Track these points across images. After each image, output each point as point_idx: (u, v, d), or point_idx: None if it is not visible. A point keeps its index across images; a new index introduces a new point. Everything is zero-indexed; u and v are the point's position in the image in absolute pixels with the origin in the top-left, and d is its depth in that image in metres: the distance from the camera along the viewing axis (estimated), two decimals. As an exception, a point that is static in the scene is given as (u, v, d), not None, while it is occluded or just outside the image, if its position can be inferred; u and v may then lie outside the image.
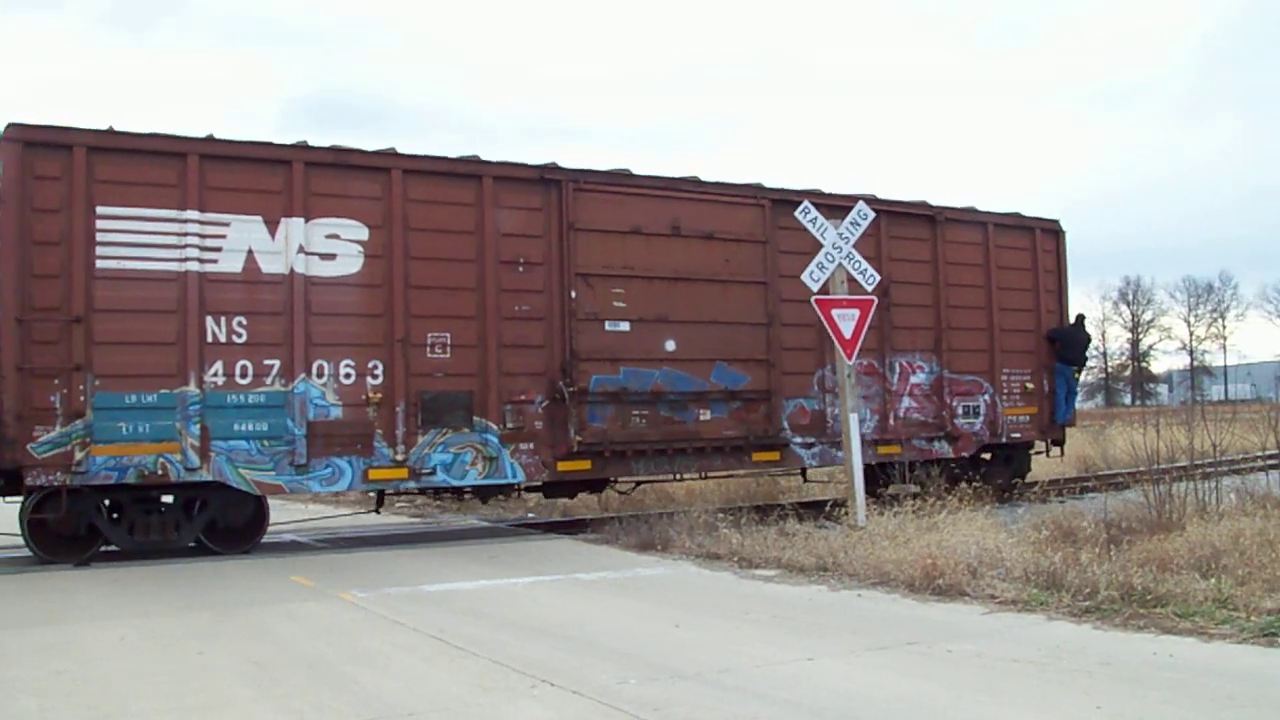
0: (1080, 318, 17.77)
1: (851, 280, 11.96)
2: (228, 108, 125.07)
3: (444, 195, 12.29)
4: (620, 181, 13.42)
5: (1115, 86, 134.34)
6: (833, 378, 14.63)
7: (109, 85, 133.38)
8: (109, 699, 5.54)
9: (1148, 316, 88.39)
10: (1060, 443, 17.44)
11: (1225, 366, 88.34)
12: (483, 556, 10.94)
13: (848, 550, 9.62)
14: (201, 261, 11.03)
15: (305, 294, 11.43)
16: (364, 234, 11.80)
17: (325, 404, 11.48)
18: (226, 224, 11.18)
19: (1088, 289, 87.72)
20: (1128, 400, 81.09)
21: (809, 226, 11.83)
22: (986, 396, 16.22)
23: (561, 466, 12.70)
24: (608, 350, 13.01)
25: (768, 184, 14.49)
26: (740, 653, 6.38)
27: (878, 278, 12.16)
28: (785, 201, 13.95)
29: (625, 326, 13.16)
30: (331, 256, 11.64)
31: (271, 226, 11.38)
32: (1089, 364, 17.92)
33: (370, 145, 12.00)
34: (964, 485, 13.53)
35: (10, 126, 10.44)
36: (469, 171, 12.45)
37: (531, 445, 12.53)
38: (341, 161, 11.81)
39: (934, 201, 16.06)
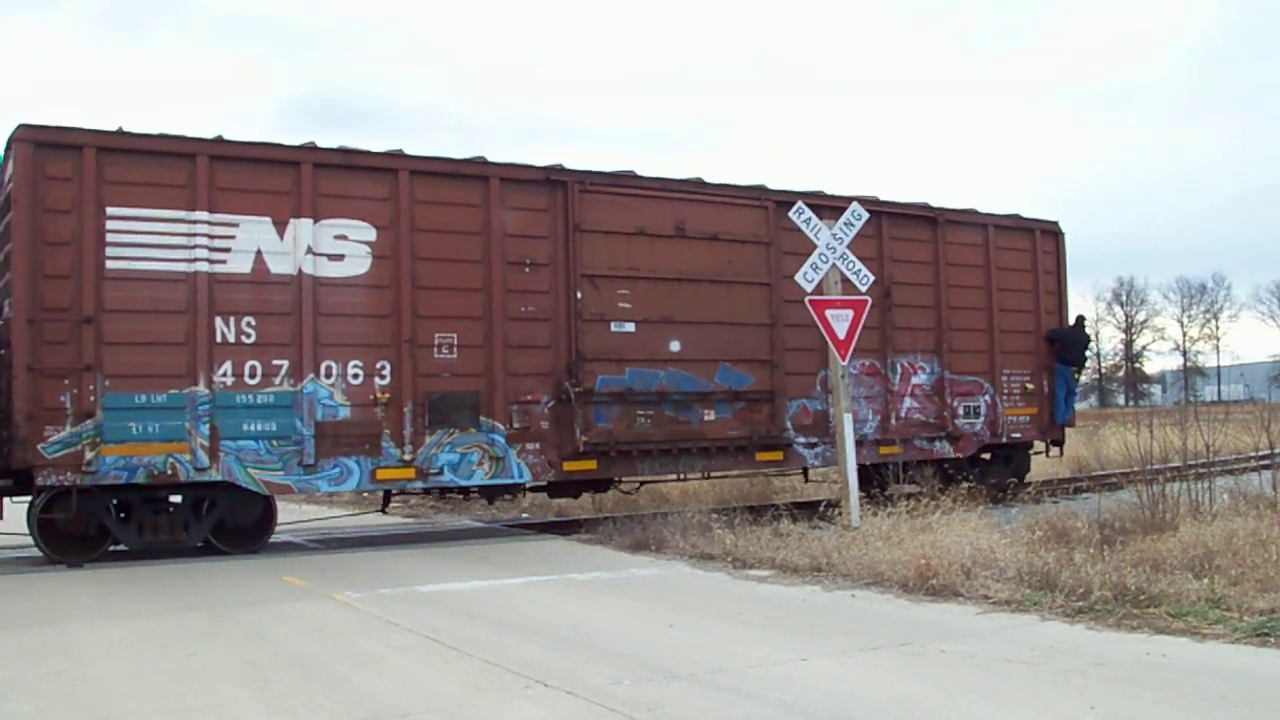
0: (1080, 319, 17.90)
1: (846, 281, 11.97)
2: (224, 108, 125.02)
3: (450, 196, 12.34)
4: (625, 183, 13.49)
5: (1110, 87, 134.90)
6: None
7: (104, 85, 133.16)
8: (103, 700, 5.54)
9: (1141, 317, 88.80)
10: (1060, 443, 17.56)
11: (1219, 367, 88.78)
12: (476, 557, 10.96)
13: (842, 551, 9.63)
14: (211, 262, 11.08)
15: (314, 294, 11.48)
16: (371, 235, 11.85)
17: (333, 404, 11.53)
18: (235, 225, 11.23)
19: (1081, 289, 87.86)
20: (1121, 401, 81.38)
21: (803, 227, 11.86)
22: (987, 397, 16.32)
23: (567, 466, 12.77)
24: (613, 351, 13.08)
25: (771, 185, 14.57)
26: (734, 653, 6.39)
27: (871, 278, 12.18)
28: (788, 203, 13.93)
29: (630, 327, 13.23)
30: (339, 257, 11.69)
31: (280, 227, 11.42)
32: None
33: (367, 145, 12.11)
34: (957, 485, 13.67)
35: (21, 127, 10.48)
36: (475, 173, 12.51)
37: (538, 445, 12.60)
38: (349, 163, 11.86)
39: (934, 203, 16.16)
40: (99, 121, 13.49)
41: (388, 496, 13.25)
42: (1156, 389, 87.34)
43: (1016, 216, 17.18)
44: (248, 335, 11.19)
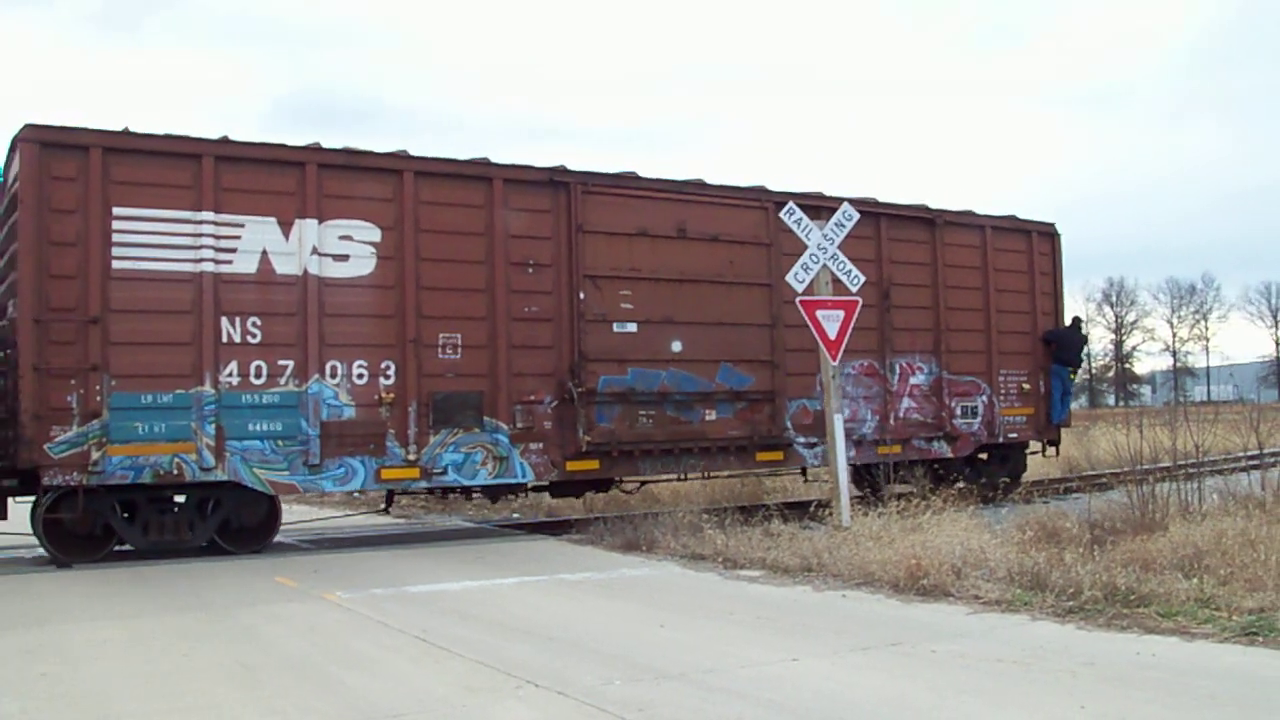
0: (1076, 320, 18.06)
1: (838, 282, 11.98)
2: (218, 108, 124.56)
3: (454, 197, 12.38)
4: (627, 184, 13.55)
5: (1101, 89, 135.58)
6: (835, 378, 14.82)
7: (98, 85, 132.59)
8: (94, 701, 5.53)
9: (1131, 318, 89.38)
10: (1056, 443, 17.68)
11: (1208, 367, 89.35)
12: (468, 557, 10.96)
13: (832, 551, 9.65)
14: (216, 262, 11.09)
15: (319, 295, 11.50)
16: (376, 235, 11.88)
17: (338, 404, 11.56)
18: (241, 225, 11.25)
19: (1071, 289, 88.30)
20: (1111, 401, 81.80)
21: (794, 228, 11.89)
22: (984, 397, 16.43)
23: (570, 466, 12.82)
24: (615, 351, 13.14)
25: (771, 187, 14.64)
26: (725, 653, 6.40)
27: (863, 279, 12.19)
28: (784, 205, 14.08)
29: (632, 328, 13.29)
30: (344, 258, 11.72)
31: (285, 228, 11.45)
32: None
33: (360, 145, 12.06)
34: (948, 485, 13.79)
35: (27, 127, 10.48)
36: (479, 174, 12.55)
37: (541, 445, 12.64)
38: (354, 163, 11.88)
39: (932, 205, 16.25)
40: (92, 121, 13.41)
41: (390, 496, 13.28)
42: (1146, 389, 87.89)
43: (1013, 218, 17.30)
44: (253, 335, 11.21)
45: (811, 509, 12.47)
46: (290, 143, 11.74)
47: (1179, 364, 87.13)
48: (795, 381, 14.43)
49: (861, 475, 15.59)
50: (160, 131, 11.08)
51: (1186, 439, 11.58)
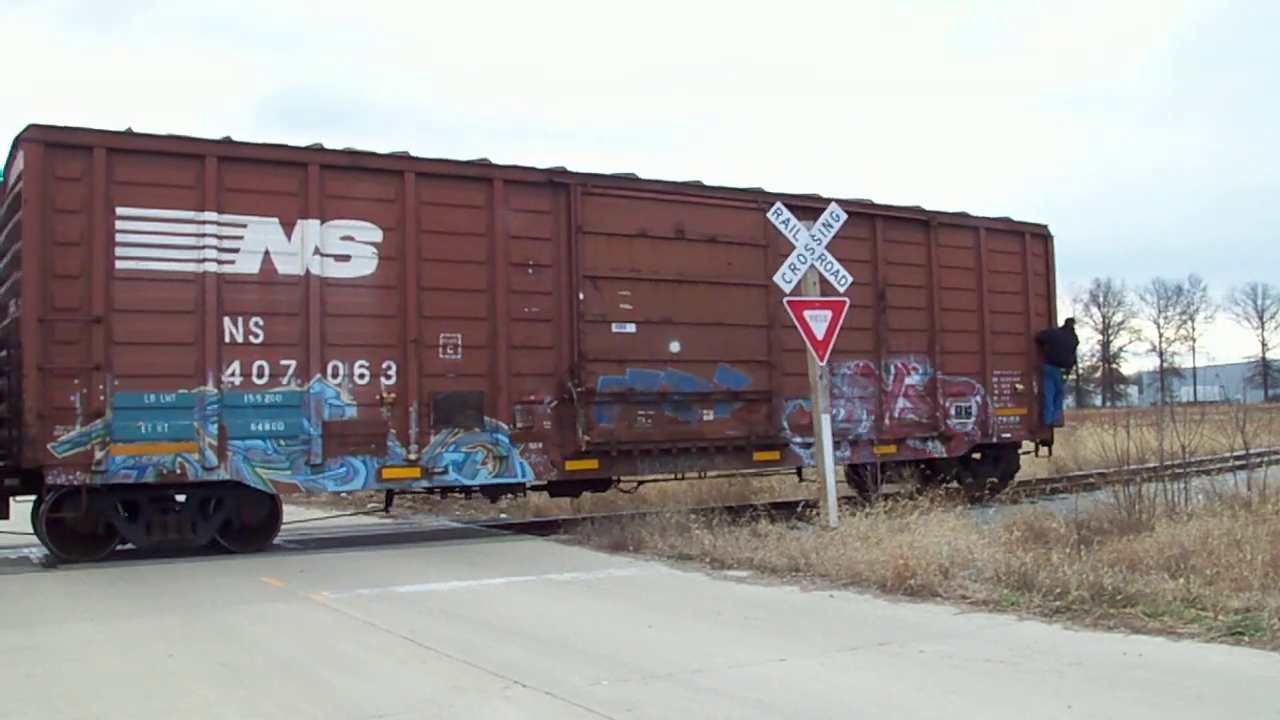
0: (1070, 321, 18.24)
1: (826, 283, 11.97)
2: (203, 107, 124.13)
3: (455, 198, 12.44)
4: (626, 185, 13.63)
5: (1088, 90, 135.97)
6: (831, 379, 14.90)
7: (79, 84, 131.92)
8: (77, 702, 5.50)
9: (1118, 318, 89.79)
10: (1048, 443, 17.82)
11: (1194, 368, 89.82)
12: (455, 557, 10.98)
13: (820, 551, 9.65)
14: (219, 263, 11.13)
15: (320, 295, 11.56)
16: (378, 236, 11.94)
17: (340, 404, 11.62)
18: (243, 225, 11.29)
19: (1059, 290, 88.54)
20: (1098, 402, 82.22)
21: (781, 228, 11.91)
22: (978, 397, 16.57)
23: (570, 466, 12.90)
24: (614, 351, 13.22)
25: (768, 188, 14.73)
26: (713, 653, 6.41)
27: (850, 279, 12.20)
28: (787, 205, 14.16)
29: (631, 328, 13.37)
30: (346, 258, 11.77)
31: (287, 228, 11.49)
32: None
33: (354, 146, 12.07)
34: (935, 486, 13.87)
35: (31, 127, 10.51)
36: (479, 175, 12.62)
37: (540, 445, 12.72)
38: (356, 164, 11.94)
39: (927, 206, 16.38)
40: (78, 120, 13.39)
41: (390, 496, 13.35)
42: (1133, 390, 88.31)
43: (1007, 220, 17.44)
44: (255, 335, 11.26)
45: (799, 509, 12.49)
46: (291, 143, 11.79)
47: (1166, 365, 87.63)
48: (792, 382, 14.52)
49: (857, 475, 15.69)
50: (163, 132, 11.13)
51: (1173, 439, 11.63)
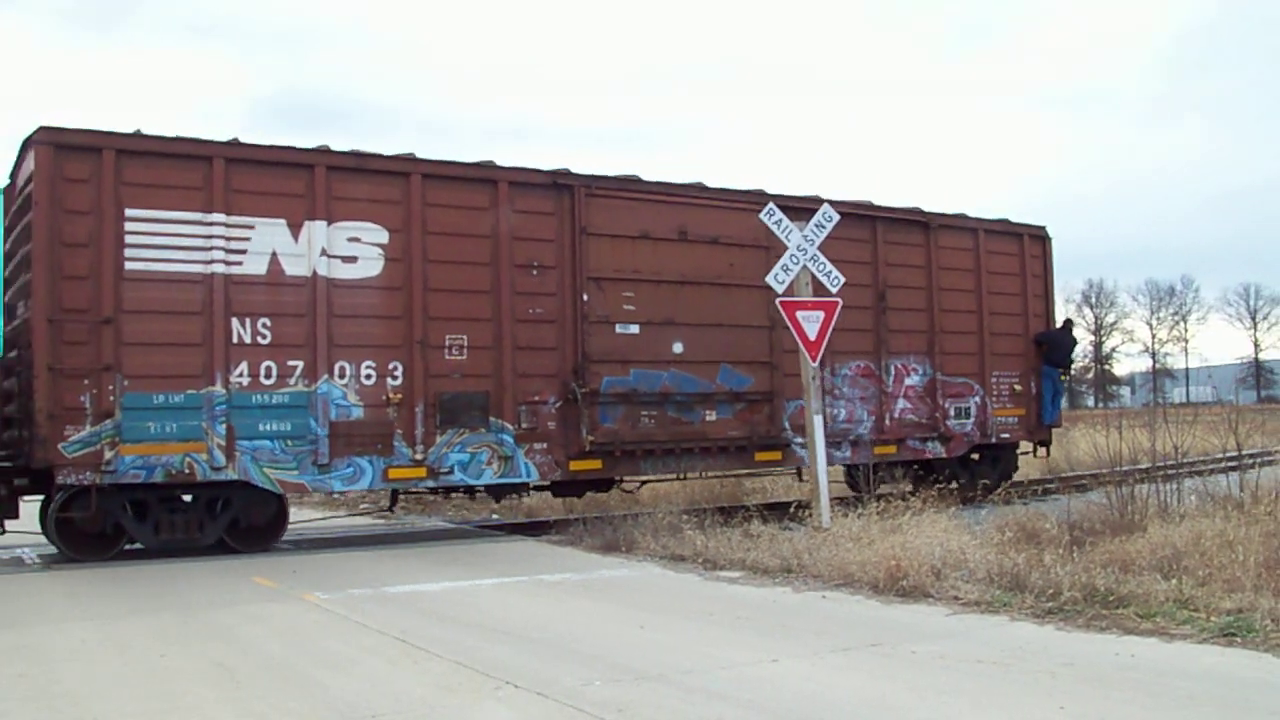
0: (1068, 322, 18.38)
1: (819, 284, 12.01)
2: (198, 107, 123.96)
3: (460, 199, 12.53)
4: (630, 187, 13.72)
5: (1080, 91, 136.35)
6: (832, 380, 15.06)
7: (73, 84, 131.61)
8: (70, 703, 5.50)
9: (1110, 319, 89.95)
10: (1046, 443, 17.94)
11: (1187, 369, 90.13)
12: (447, 558, 11.02)
13: (812, 552, 9.65)
14: (227, 264, 11.21)
15: (327, 296, 11.63)
16: (384, 237, 12.02)
17: (347, 404, 11.69)
18: (251, 227, 11.37)
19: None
20: (1091, 402, 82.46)
21: (774, 229, 11.95)
22: (977, 398, 16.68)
23: (574, 466, 12.99)
24: (618, 352, 13.31)
25: (770, 190, 14.82)
26: (705, 654, 6.40)
27: (842, 280, 12.26)
28: (787, 208, 14.23)
29: (635, 329, 13.46)
30: (353, 259, 11.85)
31: (294, 229, 11.57)
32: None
33: (344, 145, 12.15)
34: (937, 486, 13.95)
35: (41, 129, 10.58)
36: (484, 176, 12.71)
37: (545, 445, 12.81)
38: (362, 166, 12.01)
39: (926, 208, 16.48)
40: (77, 121, 13.44)
41: (395, 496, 13.43)
42: (1125, 391, 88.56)
43: (1005, 221, 17.57)
44: (263, 336, 11.34)
45: (791, 510, 12.51)
46: (297, 145, 11.87)
47: (1158, 365, 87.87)
48: (793, 382, 14.52)
49: (857, 475, 15.80)
50: (172, 134, 11.19)
51: (1165, 440, 11.64)
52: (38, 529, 11.52)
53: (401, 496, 13.89)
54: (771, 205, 12.11)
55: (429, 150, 12.53)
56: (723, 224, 14.28)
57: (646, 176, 13.95)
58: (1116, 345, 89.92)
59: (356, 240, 11.89)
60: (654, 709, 5.22)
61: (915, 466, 16.35)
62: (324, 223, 11.67)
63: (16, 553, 12.04)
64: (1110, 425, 12.54)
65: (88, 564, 10.73)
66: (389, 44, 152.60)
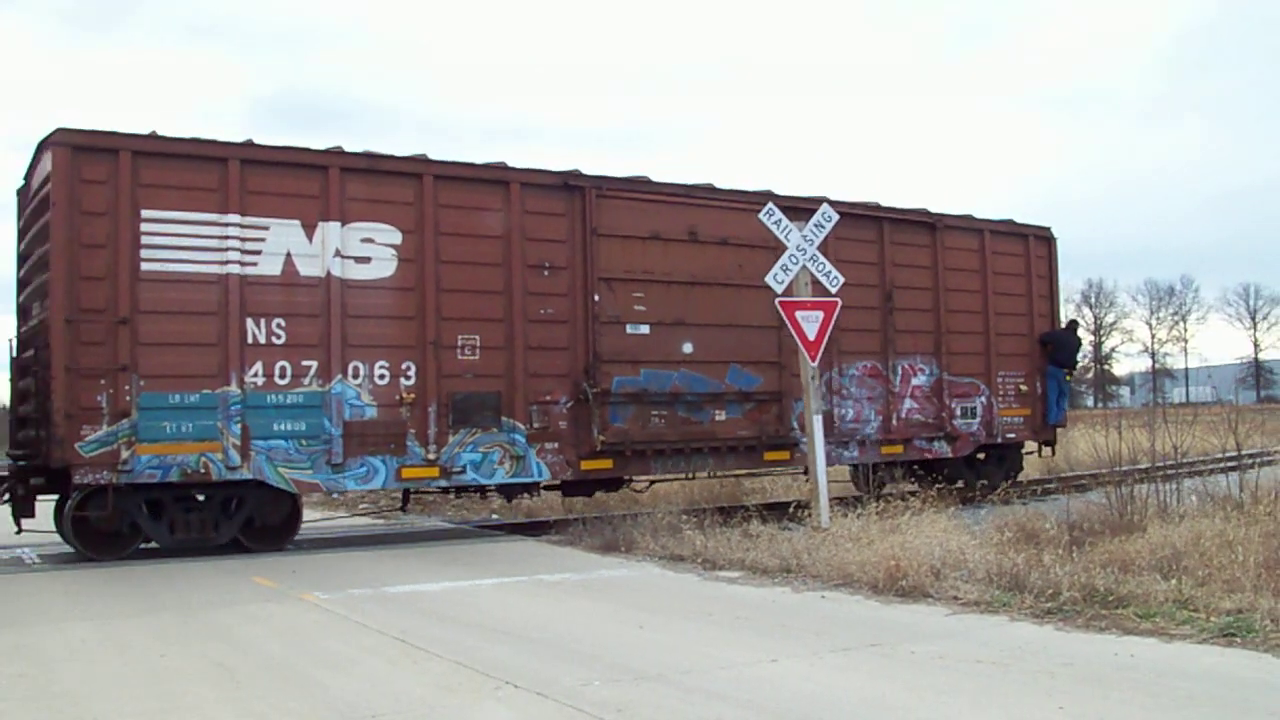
0: (1073, 322, 18.50)
1: (818, 284, 12.04)
2: (198, 107, 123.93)
3: (473, 200, 12.60)
4: (640, 188, 13.80)
5: (1080, 90, 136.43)
6: (840, 380, 15.14)
7: (73, 85, 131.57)
8: (69, 702, 5.50)
9: (1110, 319, 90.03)
10: (1051, 443, 18.02)
11: (1186, 369, 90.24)
12: (446, 558, 11.04)
13: (811, 552, 9.64)
14: (242, 264, 11.27)
15: (341, 297, 11.70)
16: (397, 238, 12.09)
17: (360, 404, 11.76)
18: (266, 228, 11.43)
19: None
20: (1090, 402, 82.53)
21: (773, 229, 11.95)
22: (983, 398, 16.77)
23: (585, 465, 13.06)
24: (628, 352, 13.38)
25: (778, 191, 14.90)
26: (704, 654, 6.40)
27: (841, 280, 12.30)
28: (795, 209, 14.32)
29: (645, 329, 13.53)
30: (366, 260, 11.92)
31: (309, 230, 11.63)
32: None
33: (342, 144, 12.17)
34: (942, 485, 14.00)
35: (59, 131, 10.64)
36: (496, 177, 12.78)
37: (556, 445, 12.88)
38: (375, 167, 12.08)
39: (932, 208, 16.56)
40: (68, 121, 13.49)
41: (407, 495, 13.49)
42: (1125, 391, 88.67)
43: (1011, 222, 17.65)
44: (278, 336, 11.40)
45: (791, 510, 12.54)
46: (311, 146, 11.92)
47: (1158, 365, 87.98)
48: (801, 382, 14.65)
49: (861, 474, 15.87)
50: (188, 135, 11.26)
51: (1165, 440, 11.65)
52: (50, 528, 11.57)
53: (401, 496, 13.92)
54: (771, 205, 12.15)
55: (428, 150, 12.49)
56: (732, 225, 14.34)
57: (655, 178, 14.02)
58: (1116, 345, 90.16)
59: (370, 241, 11.95)
60: (653, 709, 5.23)
61: (915, 467, 16.42)
62: (338, 224, 11.74)
63: (16, 553, 12.09)
64: (1110, 425, 12.54)
65: (87, 564, 10.78)
66: (389, 44, 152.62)
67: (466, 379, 12.36)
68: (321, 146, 11.97)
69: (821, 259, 12.10)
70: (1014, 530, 9.81)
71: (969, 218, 17.03)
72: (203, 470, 10.97)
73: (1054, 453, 18.37)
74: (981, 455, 17.22)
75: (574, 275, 13.13)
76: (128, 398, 10.63)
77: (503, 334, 12.59)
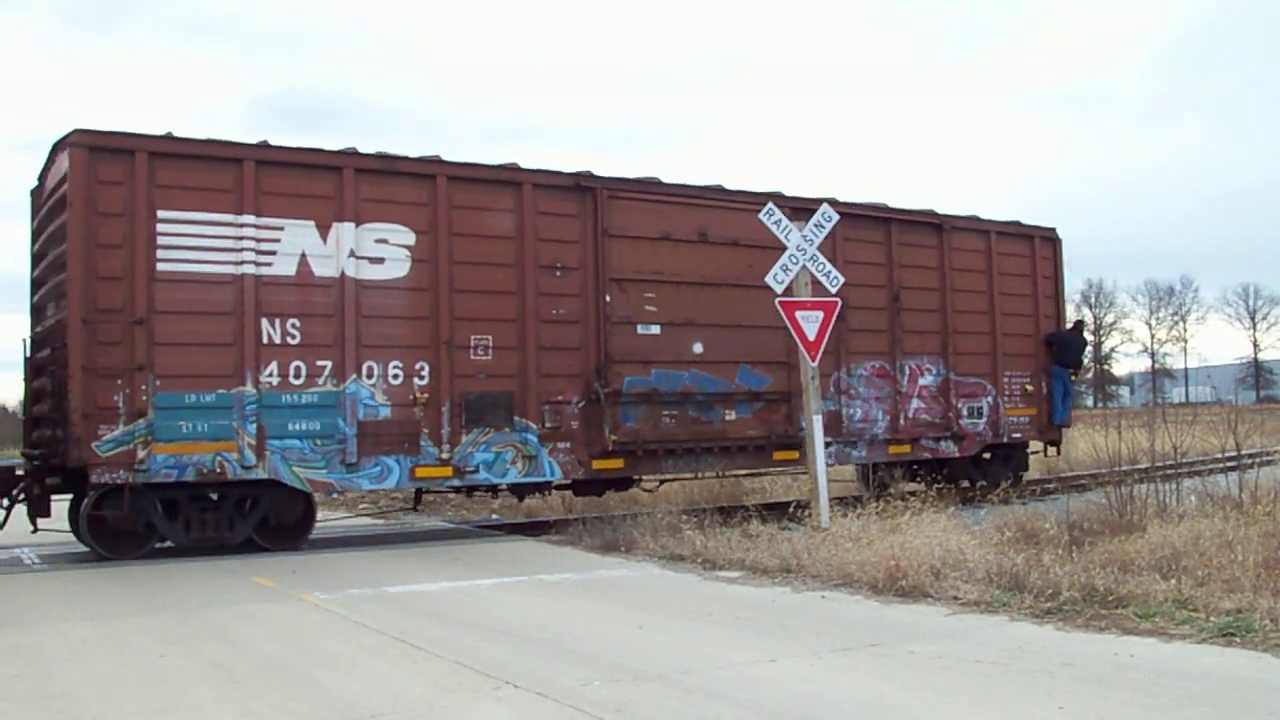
0: (1078, 323, 18.60)
1: (818, 284, 12.07)
2: (198, 107, 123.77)
3: (486, 201, 12.66)
4: (651, 189, 13.86)
5: (1080, 90, 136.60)
6: (848, 380, 15.21)
7: (71, 84, 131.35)
8: (67, 703, 5.49)
9: (1110, 319, 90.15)
10: (1057, 443, 18.10)
11: (1186, 369, 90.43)
12: (446, 558, 11.04)
13: (811, 552, 9.64)
14: (257, 265, 11.31)
15: (355, 297, 11.74)
16: (411, 239, 12.13)
17: (374, 404, 11.80)
18: (281, 228, 11.48)
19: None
20: (1090, 402, 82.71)
21: (773, 229, 11.99)
22: (989, 398, 16.84)
23: (596, 465, 13.12)
24: (640, 353, 13.44)
25: (787, 192, 14.97)
26: (704, 654, 6.40)
27: (841, 280, 12.34)
28: (803, 209, 14.39)
29: (656, 330, 13.59)
30: (380, 260, 11.96)
31: (323, 231, 11.68)
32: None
33: (345, 144, 12.24)
34: (948, 485, 14.05)
35: (75, 132, 10.68)
36: (509, 178, 12.83)
37: (568, 444, 12.93)
38: (389, 168, 12.12)
39: (938, 209, 16.63)
40: (67, 122, 13.52)
41: (419, 495, 13.55)
42: (1125, 391, 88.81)
43: (1017, 223, 17.73)
44: (293, 336, 11.44)
45: (790, 510, 12.56)
46: (327, 147, 11.96)
47: (1157, 365, 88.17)
48: (810, 382, 14.74)
49: (867, 474, 15.94)
50: (203, 136, 11.31)
51: (1164, 440, 11.69)
52: (61, 527, 11.60)
53: (401, 498, 13.99)
54: (771, 205, 12.21)
55: (435, 151, 12.55)
56: (742, 226, 14.35)
57: (665, 179, 14.07)
58: (1116, 345, 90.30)
59: (384, 241, 12.00)
60: (653, 709, 5.24)
61: (917, 467, 16.48)
62: (352, 224, 11.79)
63: (16, 553, 12.11)
64: (1109, 425, 12.57)
65: (87, 564, 10.80)
66: (389, 44, 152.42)
67: (479, 379, 12.41)
68: (324, 147, 12.01)
69: (821, 259, 12.15)
70: (1014, 530, 9.82)
71: (975, 219, 17.11)
72: (218, 470, 11.01)
73: (1059, 452, 18.45)
74: (987, 455, 17.30)
75: (585, 276, 13.18)
76: (144, 398, 10.67)
77: (515, 334, 12.65)
